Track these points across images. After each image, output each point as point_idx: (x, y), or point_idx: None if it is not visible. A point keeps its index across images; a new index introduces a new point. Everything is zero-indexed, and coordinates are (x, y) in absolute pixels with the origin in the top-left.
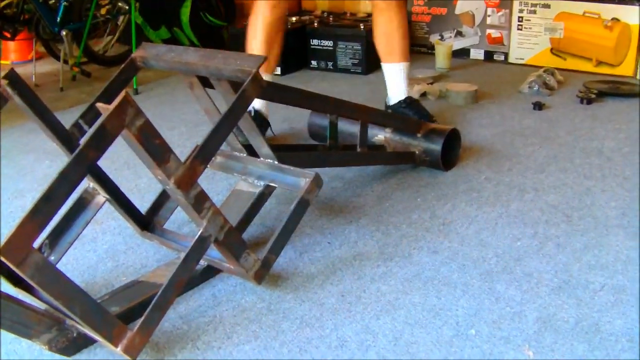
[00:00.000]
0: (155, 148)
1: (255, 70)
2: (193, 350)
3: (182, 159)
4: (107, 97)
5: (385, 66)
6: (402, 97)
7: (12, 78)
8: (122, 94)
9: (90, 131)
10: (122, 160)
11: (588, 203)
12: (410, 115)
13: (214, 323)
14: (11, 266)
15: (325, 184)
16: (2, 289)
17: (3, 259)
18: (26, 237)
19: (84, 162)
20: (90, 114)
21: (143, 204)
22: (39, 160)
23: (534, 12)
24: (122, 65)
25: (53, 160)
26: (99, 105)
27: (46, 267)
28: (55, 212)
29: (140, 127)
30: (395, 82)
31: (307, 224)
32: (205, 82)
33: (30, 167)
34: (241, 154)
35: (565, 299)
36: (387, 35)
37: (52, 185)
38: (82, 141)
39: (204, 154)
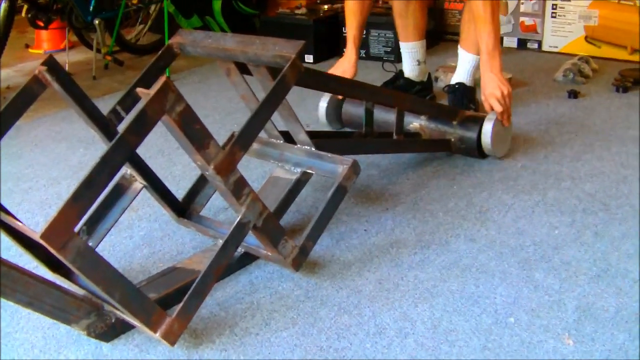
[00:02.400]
0: (195, 133)
1: (294, 56)
2: (231, 336)
3: None
4: (144, 83)
5: (459, 49)
6: (456, 80)
7: (51, 65)
8: (162, 78)
9: (130, 116)
10: (156, 148)
11: (625, 191)
12: (452, 97)
13: (251, 309)
14: (52, 251)
15: (361, 172)
16: (41, 275)
17: (45, 244)
18: (68, 222)
19: (125, 148)
20: (128, 101)
21: (178, 191)
22: (72, 148)
23: None
24: (159, 52)
25: (87, 148)
26: (139, 90)
27: (87, 252)
28: (96, 197)
29: (181, 112)
30: (460, 66)
31: (343, 212)
32: (243, 69)
33: (64, 155)
34: (278, 141)
35: (605, 288)
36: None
37: (94, 170)
38: (123, 126)
39: (244, 139)
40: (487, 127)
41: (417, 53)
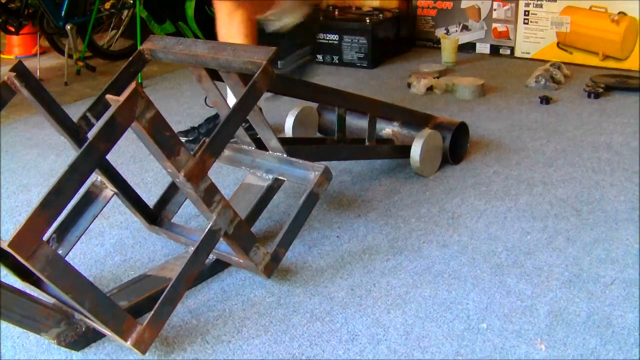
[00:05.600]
0: (165, 140)
1: (265, 62)
2: (203, 344)
3: None
4: (115, 89)
5: None
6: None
7: (20, 70)
8: (132, 85)
9: (100, 123)
10: (128, 154)
11: (597, 197)
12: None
13: (223, 317)
14: (21, 260)
15: (333, 178)
16: (11, 283)
17: (13, 252)
18: (36, 230)
19: (95, 154)
20: (98, 107)
21: (150, 198)
22: (43, 155)
23: (540, 6)
24: (130, 58)
25: (58, 154)
26: (109, 97)
27: (56, 261)
28: (65, 205)
29: (151, 119)
30: None
31: (315, 218)
32: (214, 75)
33: (35, 161)
34: (250, 147)
35: (576, 293)
36: None
37: (62, 177)
38: (92, 133)
39: (214, 146)
40: (417, 145)
41: None
